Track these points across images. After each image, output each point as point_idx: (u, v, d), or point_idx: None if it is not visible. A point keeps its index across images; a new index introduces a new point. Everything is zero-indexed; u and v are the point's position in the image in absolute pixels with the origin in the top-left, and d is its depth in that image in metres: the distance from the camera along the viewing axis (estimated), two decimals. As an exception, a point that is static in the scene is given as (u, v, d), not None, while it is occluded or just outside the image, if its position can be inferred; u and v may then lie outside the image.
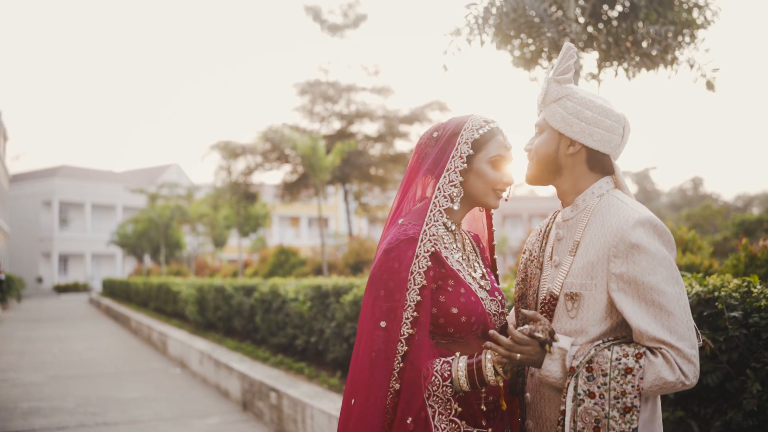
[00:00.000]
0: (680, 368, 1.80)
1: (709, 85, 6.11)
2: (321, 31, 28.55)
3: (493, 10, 5.60)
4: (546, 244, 2.17)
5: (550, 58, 6.21)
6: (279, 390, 6.68)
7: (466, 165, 2.07)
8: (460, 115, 2.17)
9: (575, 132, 1.99)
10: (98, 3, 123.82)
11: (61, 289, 47.62)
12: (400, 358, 1.93)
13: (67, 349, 14.24)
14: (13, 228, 49.58)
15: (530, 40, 6.27)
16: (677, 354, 1.81)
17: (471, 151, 2.08)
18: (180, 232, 35.04)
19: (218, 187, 22.43)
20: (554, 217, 2.22)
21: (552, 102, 2.03)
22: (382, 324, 1.95)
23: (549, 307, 2.01)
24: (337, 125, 28.72)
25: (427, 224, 2.03)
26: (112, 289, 32.63)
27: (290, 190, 26.81)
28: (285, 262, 19.41)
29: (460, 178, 2.07)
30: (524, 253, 2.27)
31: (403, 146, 28.67)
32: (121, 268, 53.63)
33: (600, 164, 2.04)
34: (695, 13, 6.45)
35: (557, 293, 1.99)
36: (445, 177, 2.07)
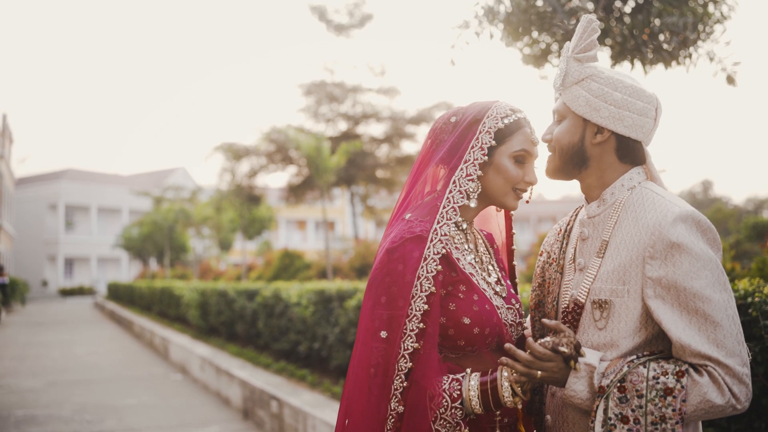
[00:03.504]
0: (730, 389, 1.53)
1: (730, 80, 5.86)
2: (327, 31, 28.40)
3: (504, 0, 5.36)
4: (567, 244, 1.89)
5: (561, 54, 5.96)
6: (280, 398, 6.44)
7: (486, 158, 1.80)
8: (483, 100, 1.89)
9: (603, 117, 1.72)
10: (103, 6, 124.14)
11: (66, 293, 47.52)
12: (403, 376, 1.67)
13: (68, 353, 14.04)
14: (19, 231, 49.54)
15: (541, 36, 6.04)
16: (726, 372, 1.54)
17: (493, 142, 1.81)
18: (185, 235, 34.87)
19: (222, 189, 22.23)
20: (576, 214, 1.94)
21: (573, 84, 1.75)
22: (383, 334, 1.69)
23: (573, 316, 1.74)
24: (342, 126, 28.54)
25: (438, 222, 1.76)
26: (116, 292, 32.45)
27: (295, 192, 26.59)
28: (290, 265, 19.17)
29: (479, 172, 1.80)
30: (541, 254, 1.99)
31: (409, 148, 28.45)
32: (127, 272, 53.54)
33: (631, 153, 1.77)
34: (711, 8, 6.24)
35: (583, 301, 1.72)
36: (462, 170, 1.79)
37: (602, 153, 1.76)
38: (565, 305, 1.78)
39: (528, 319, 2.03)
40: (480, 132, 1.81)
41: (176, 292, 16.01)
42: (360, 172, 26.84)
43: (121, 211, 54.58)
